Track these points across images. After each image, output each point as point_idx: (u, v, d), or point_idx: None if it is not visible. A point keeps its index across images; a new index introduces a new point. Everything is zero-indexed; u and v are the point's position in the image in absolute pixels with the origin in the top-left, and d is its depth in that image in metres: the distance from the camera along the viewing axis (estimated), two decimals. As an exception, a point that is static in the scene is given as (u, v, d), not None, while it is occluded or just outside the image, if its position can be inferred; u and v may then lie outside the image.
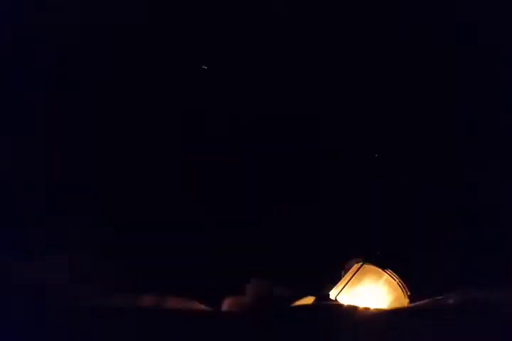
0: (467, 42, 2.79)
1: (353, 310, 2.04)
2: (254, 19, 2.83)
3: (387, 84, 2.84)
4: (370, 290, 2.20)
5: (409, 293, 2.22)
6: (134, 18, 2.83)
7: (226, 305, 2.17)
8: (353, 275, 2.21)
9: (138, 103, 2.74)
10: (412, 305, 2.19)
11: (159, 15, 2.84)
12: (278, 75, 2.83)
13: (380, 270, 2.22)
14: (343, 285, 2.19)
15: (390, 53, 2.85)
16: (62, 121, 2.66)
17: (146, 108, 2.76)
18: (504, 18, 2.73)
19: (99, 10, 2.78)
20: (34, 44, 2.73)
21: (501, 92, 2.75)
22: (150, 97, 2.76)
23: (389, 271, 2.21)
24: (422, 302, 2.13)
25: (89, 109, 2.73)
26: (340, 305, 2.13)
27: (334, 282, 2.22)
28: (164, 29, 2.82)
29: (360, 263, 2.23)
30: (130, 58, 2.80)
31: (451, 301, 2.00)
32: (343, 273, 2.25)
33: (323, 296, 2.18)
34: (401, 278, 2.22)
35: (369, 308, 2.07)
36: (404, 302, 2.21)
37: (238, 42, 2.83)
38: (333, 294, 2.18)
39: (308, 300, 2.19)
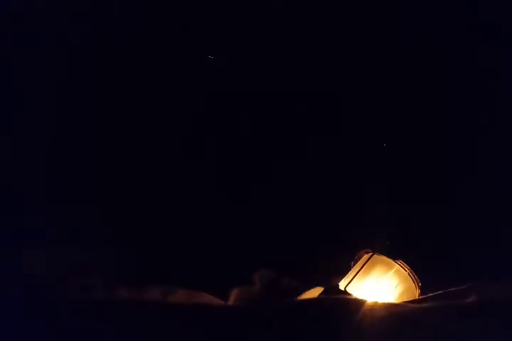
0: (467, 42, 2.81)
1: (361, 303, 1.99)
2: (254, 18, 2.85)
3: (387, 84, 2.85)
4: (380, 281, 2.16)
5: (420, 284, 2.17)
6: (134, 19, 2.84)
7: (233, 296, 2.12)
8: (362, 266, 2.16)
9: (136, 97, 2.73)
10: (423, 296, 2.15)
11: (160, 16, 2.86)
12: (277, 76, 2.84)
13: (391, 260, 2.18)
14: (353, 275, 2.15)
15: (390, 53, 2.86)
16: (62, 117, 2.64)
17: (146, 105, 2.75)
18: (504, 18, 2.76)
19: (100, 10, 2.79)
20: (37, 44, 2.73)
21: (501, 92, 2.76)
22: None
23: (400, 262, 2.17)
24: (433, 293, 2.09)
25: (89, 106, 2.72)
26: (348, 299, 2.07)
27: (343, 272, 2.18)
28: (164, 29, 2.83)
29: (370, 254, 2.19)
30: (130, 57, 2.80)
31: (469, 299, 1.94)
32: (352, 263, 2.20)
33: (332, 287, 2.13)
34: (412, 269, 2.18)
35: (377, 302, 2.02)
36: (415, 293, 2.16)
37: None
38: (342, 285, 2.14)
39: (317, 291, 2.13)
